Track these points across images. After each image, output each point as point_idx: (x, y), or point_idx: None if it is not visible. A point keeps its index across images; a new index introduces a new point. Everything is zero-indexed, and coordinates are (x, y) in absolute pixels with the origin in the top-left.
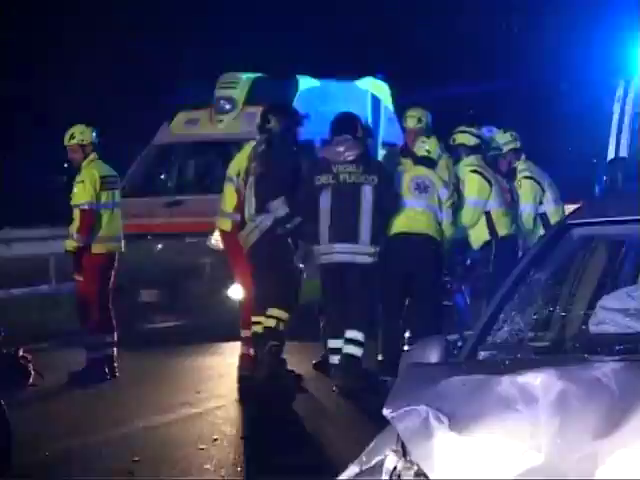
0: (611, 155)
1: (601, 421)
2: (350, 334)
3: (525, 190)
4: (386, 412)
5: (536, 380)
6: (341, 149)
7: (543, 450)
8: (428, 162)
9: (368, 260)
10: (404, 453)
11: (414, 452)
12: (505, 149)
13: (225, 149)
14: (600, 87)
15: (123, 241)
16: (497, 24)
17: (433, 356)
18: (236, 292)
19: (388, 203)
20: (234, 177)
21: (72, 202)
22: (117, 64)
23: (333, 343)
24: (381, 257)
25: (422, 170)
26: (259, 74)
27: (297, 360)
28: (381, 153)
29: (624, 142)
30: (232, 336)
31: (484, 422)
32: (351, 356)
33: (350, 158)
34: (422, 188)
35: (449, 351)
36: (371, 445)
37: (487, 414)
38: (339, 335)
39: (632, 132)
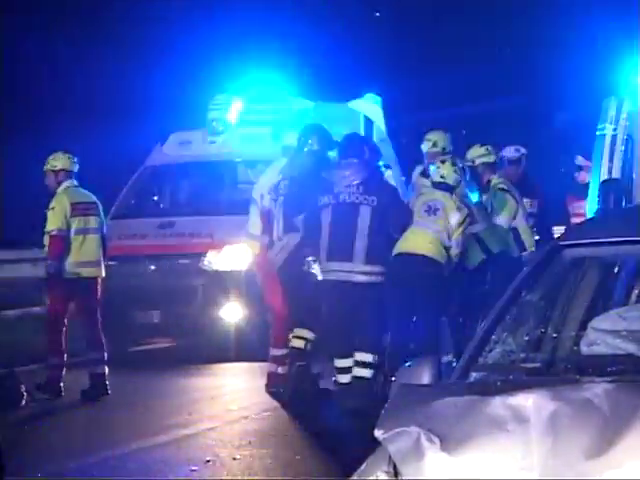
0: (604, 176)
1: (593, 442)
2: (359, 356)
3: (499, 202)
4: (378, 433)
5: (527, 401)
6: (347, 173)
7: (535, 471)
8: (445, 187)
9: (363, 279)
10: (396, 474)
11: (406, 473)
12: (477, 162)
13: (218, 170)
14: (593, 108)
15: (104, 265)
16: (491, 43)
17: (425, 377)
18: (229, 313)
19: (392, 223)
20: (258, 199)
21: (45, 229)
22: (109, 82)
23: (340, 363)
24: (386, 276)
25: (437, 194)
26: (252, 95)
27: None
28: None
29: (617, 163)
30: (225, 357)
31: (476, 443)
32: (361, 378)
33: (355, 182)
34: (432, 210)
35: (441, 372)
36: (363, 466)
37: (479, 435)
38: (345, 355)
39: (624, 153)
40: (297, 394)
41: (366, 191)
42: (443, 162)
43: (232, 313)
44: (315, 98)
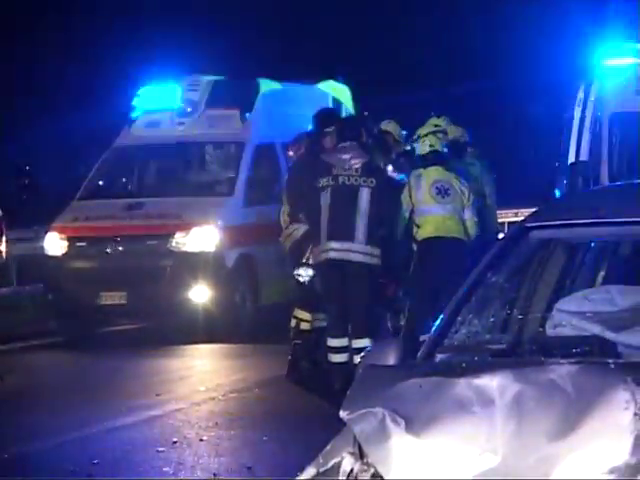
0: (572, 159)
1: (557, 423)
2: (357, 343)
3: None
4: (343, 414)
5: (492, 382)
6: (347, 156)
7: (499, 452)
8: (436, 157)
9: (363, 259)
10: (361, 455)
11: (371, 454)
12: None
13: (186, 151)
14: (563, 90)
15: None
16: (460, 26)
17: (390, 358)
18: (197, 294)
19: (386, 207)
20: None
21: None
22: (77, 65)
23: (333, 342)
24: (416, 259)
25: (436, 173)
26: (220, 77)
27: (257, 361)
28: None
29: (585, 146)
30: (192, 339)
31: (440, 424)
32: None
33: (356, 166)
34: (443, 191)
35: (406, 353)
36: (328, 447)
37: (443, 416)
38: (339, 335)
39: (593, 136)
40: (292, 371)
41: (365, 173)
42: (426, 135)
43: (200, 294)
44: (283, 80)
